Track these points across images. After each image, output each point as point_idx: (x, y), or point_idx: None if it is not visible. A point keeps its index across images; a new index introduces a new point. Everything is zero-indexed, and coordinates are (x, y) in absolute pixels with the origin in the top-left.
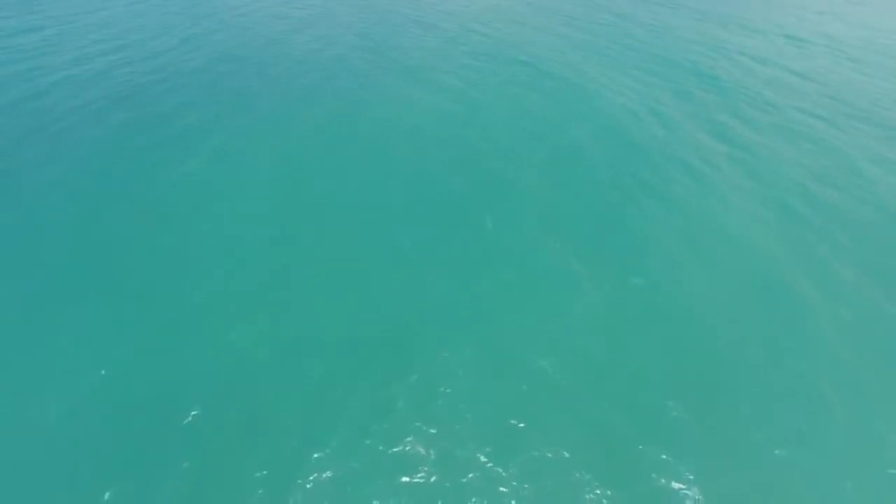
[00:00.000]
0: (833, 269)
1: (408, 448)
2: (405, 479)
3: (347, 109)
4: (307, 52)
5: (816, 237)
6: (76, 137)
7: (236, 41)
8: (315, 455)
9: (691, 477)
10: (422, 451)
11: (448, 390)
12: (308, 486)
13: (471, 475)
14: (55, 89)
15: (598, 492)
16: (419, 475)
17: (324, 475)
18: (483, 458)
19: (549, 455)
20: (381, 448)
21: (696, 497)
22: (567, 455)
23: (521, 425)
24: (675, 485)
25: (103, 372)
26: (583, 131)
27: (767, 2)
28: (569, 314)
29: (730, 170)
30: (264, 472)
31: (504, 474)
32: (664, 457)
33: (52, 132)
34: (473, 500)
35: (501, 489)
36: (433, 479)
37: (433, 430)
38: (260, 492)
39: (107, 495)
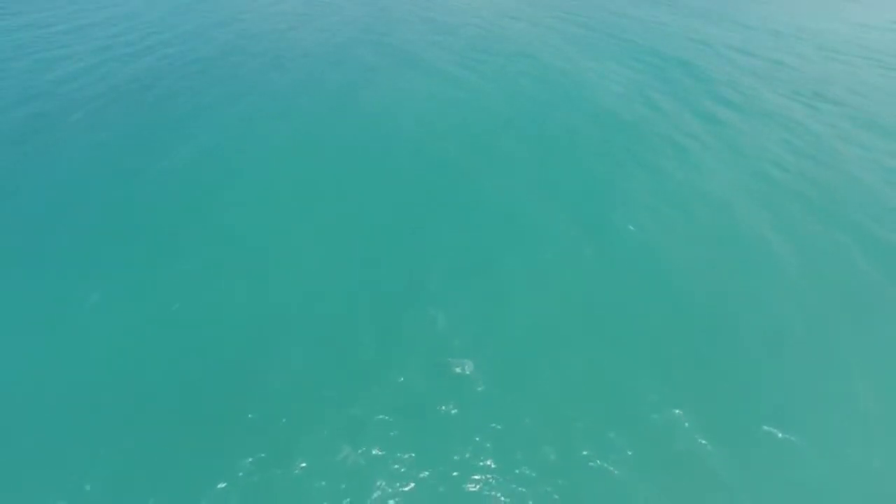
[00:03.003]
0: (804, 224)
1: (423, 386)
2: (429, 409)
3: (353, 95)
4: (313, 45)
5: (789, 197)
6: (113, 112)
7: (244, 35)
8: (333, 396)
9: (680, 406)
10: (435, 388)
11: (460, 331)
12: (334, 422)
13: (482, 406)
14: (88, 73)
15: (598, 420)
16: (441, 406)
17: (348, 411)
18: (491, 391)
19: (554, 388)
20: (398, 383)
21: (685, 422)
22: (568, 387)
23: (526, 362)
24: (667, 413)
25: (175, 306)
26: (578, 112)
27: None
28: (568, 260)
29: (712, 143)
30: (291, 406)
31: (512, 405)
32: (657, 387)
33: (91, 109)
34: (493, 424)
35: (511, 418)
36: (454, 411)
37: (445, 366)
38: (283, 420)
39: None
